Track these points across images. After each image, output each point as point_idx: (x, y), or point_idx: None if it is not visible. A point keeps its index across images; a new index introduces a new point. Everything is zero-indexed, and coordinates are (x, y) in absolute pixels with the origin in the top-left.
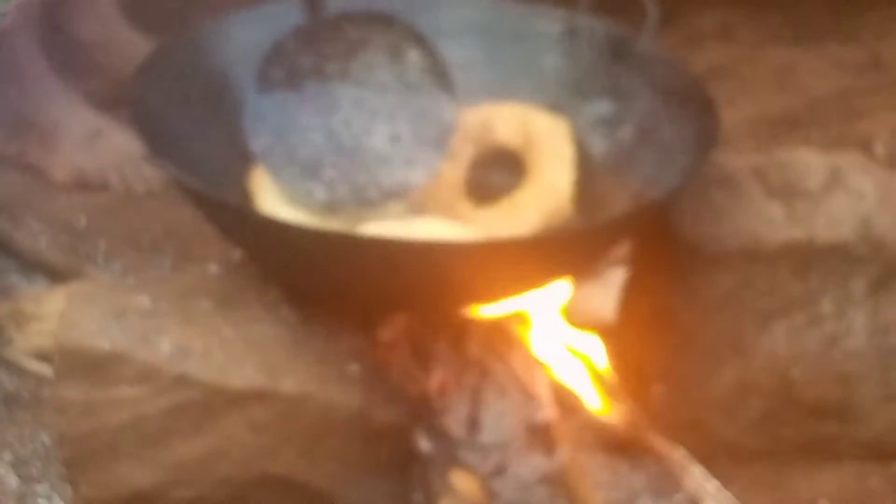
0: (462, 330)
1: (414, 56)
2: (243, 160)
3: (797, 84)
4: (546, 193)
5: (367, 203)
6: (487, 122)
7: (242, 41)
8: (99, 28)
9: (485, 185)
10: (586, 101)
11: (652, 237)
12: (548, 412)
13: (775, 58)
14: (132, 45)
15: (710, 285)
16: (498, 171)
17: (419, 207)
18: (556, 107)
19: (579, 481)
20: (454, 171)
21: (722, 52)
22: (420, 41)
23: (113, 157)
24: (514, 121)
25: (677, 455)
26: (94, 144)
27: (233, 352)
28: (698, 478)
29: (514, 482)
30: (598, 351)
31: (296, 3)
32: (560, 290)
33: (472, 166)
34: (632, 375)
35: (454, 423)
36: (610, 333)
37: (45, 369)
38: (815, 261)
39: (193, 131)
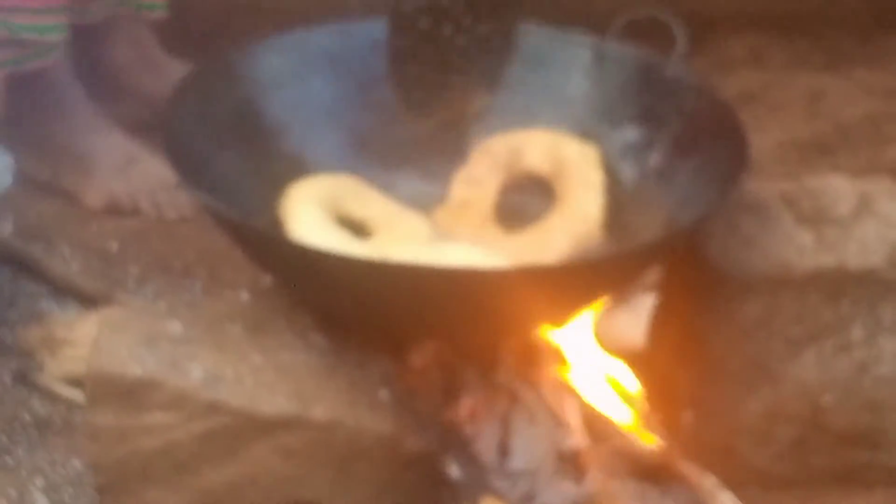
0: (492, 356)
1: None
2: (273, 186)
3: (827, 109)
4: (576, 219)
5: None
6: (517, 147)
7: (273, 67)
8: (133, 51)
9: (514, 210)
10: (615, 127)
11: (681, 263)
12: (577, 439)
13: (805, 83)
14: (166, 69)
15: (740, 311)
16: (527, 196)
17: (447, 232)
18: (585, 133)
19: None
20: (483, 196)
21: (751, 77)
22: None
23: (145, 184)
24: (543, 147)
25: (707, 482)
26: (128, 171)
27: (263, 378)
28: None
29: None
30: (627, 377)
31: (320, 28)
32: (590, 315)
33: (501, 192)
34: (661, 401)
35: (484, 449)
36: (639, 359)
37: (77, 395)
38: (844, 287)
39: (224, 157)
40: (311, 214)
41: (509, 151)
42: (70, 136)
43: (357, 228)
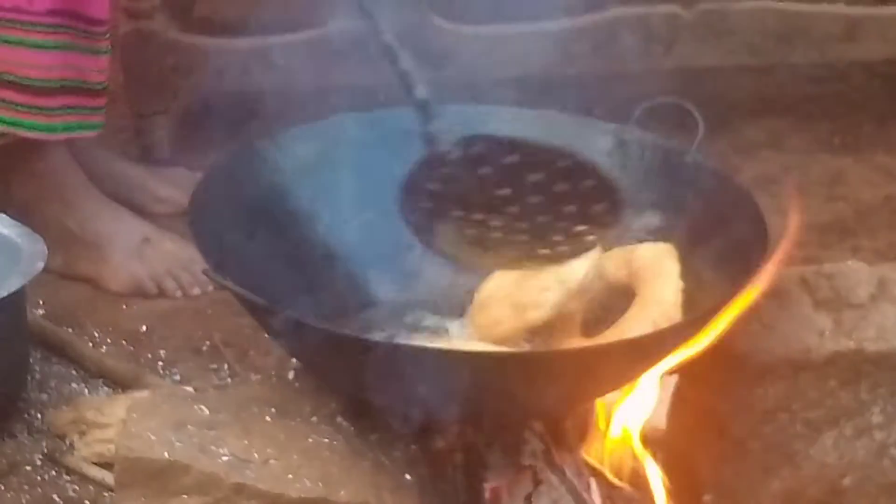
0: (515, 438)
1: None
2: (300, 272)
3: (846, 192)
4: (654, 307)
5: None
6: (597, 268)
7: (301, 155)
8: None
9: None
10: (637, 213)
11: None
12: None
13: (824, 166)
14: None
15: (760, 395)
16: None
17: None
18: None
19: None
20: (569, 322)
21: (772, 161)
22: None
23: (165, 263)
24: (620, 259)
25: None
26: (144, 252)
27: (290, 462)
28: None
29: None
30: (649, 459)
31: (349, 116)
32: (613, 398)
33: (586, 310)
34: (682, 484)
35: None
36: (660, 442)
37: (106, 477)
38: (863, 371)
39: (251, 243)
40: None
41: (591, 274)
42: (80, 222)
43: None
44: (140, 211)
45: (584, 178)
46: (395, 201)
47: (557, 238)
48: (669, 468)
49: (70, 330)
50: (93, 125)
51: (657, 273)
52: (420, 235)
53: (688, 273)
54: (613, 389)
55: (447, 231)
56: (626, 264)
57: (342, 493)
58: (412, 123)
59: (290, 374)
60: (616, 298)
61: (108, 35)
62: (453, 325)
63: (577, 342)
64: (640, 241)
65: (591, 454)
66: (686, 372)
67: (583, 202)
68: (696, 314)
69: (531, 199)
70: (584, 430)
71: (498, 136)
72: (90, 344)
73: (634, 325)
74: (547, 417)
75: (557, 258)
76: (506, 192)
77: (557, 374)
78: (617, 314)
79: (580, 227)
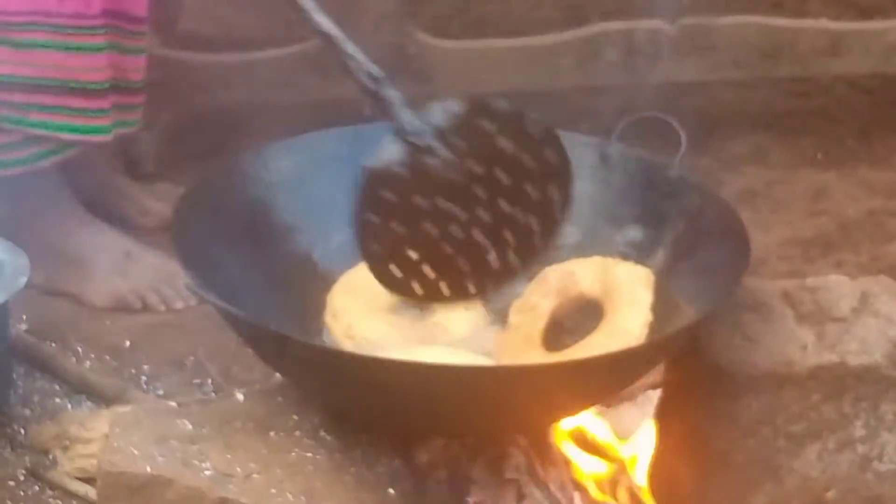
0: (499, 452)
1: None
2: (283, 286)
3: (829, 207)
4: (616, 336)
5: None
6: (572, 275)
7: (283, 169)
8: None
9: (562, 332)
10: (619, 227)
11: (684, 360)
12: None
13: (808, 181)
14: (126, 192)
15: (743, 408)
16: (577, 318)
17: (491, 356)
18: (590, 233)
19: None
20: (534, 322)
21: (755, 176)
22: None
23: (148, 278)
24: (596, 272)
25: None
26: (127, 268)
27: (273, 476)
28: None
29: None
30: (632, 473)
31: (332, 131)
32: (596, 412)
33: (554, 317)
34: (666, 497)
35: None
36: (644, 456)
37: (89, 491)
38: (846, 384)
39: (234, 257)
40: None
41: (564, 279)
42: (62, 237)
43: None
44: (126, 223)
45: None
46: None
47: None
48: (653, 482)
49: (53, 345)
50: (132, 122)
51: (629, 301)
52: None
53: (670, 287)
54: (587, 406)
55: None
56: (602, 279)
57: None
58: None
59: (274, 389)
60: (582, 308)
61: (145, 34)
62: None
63: (549, 357)
64: (624, 256)
65: (574, 469)
66: (669, 386)
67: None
68: (675, 329)
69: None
70: (566, 444)
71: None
72: (73, 359)
73: (597, 350)
74: (527, 431)
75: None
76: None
77: (529, 390)
78: (579, 324)
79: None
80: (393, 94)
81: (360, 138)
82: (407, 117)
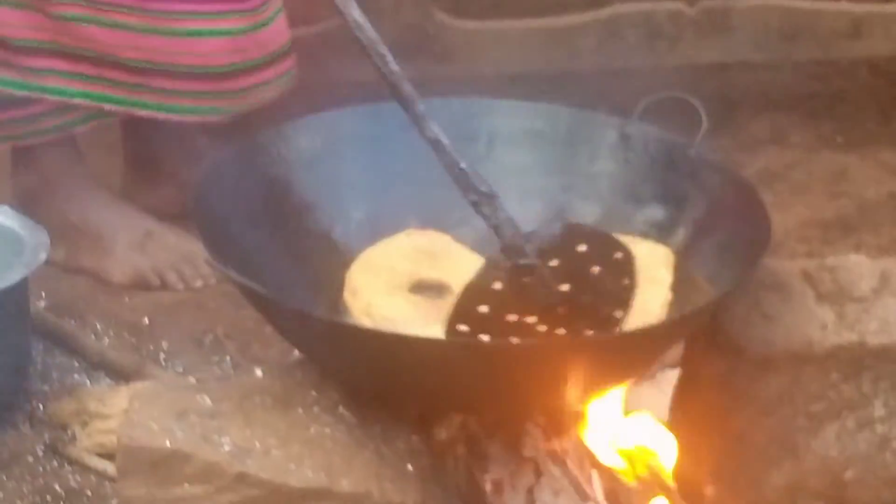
0: (517, 429)
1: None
2: (303, 262)
3: (849, 188)
4: (637, 315)
5: None
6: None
7: (304, 147)
8: (174, 140)
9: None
10: (640, 207)
11: (704, 339)
12: None
13: (827, 162)
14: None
15: (762, 387)
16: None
17: None
18: (610, 212)
19: None
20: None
21: (775, 157)
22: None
23: (167, 257)
24: None
25: None
26: (147, 246)
27: (292, 451)
28: None
29: None
30: (650, 451)
31: (352, 109)
32: (615, 390)
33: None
34: (684, 476)
35: None
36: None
37: (108, 467)
38: (865, 364)
39: (254, 234)
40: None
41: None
42: (82, 215)
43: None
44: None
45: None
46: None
47: None
48: (672, 459)
49: (72, 322)
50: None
51: (649, 279)
52: None
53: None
54: (607, 384)
55: None
56: None
57: (344, 483)
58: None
59: (292, 366)
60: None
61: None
62: None
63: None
64: (644, 235)
65: (592, 446)
66: (688, 365)
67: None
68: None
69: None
70: (585, 422)
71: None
72: (92, 336)
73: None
74: (545, 409)
75: None
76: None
77: (548, 367)
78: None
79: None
80: (501, 213)
81: (380, 117)
82: (512, 235)
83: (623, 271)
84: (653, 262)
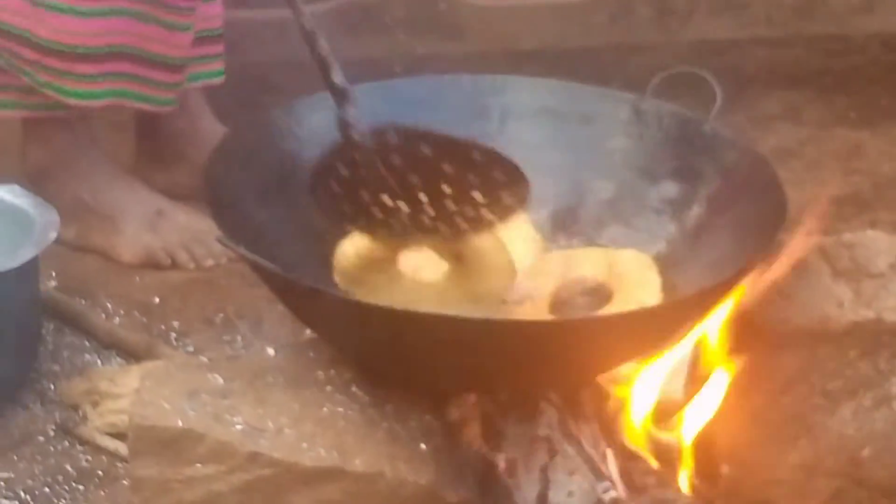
0: (531, 408)
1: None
2: (314, 241)
3: (863, 165)
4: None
5: None
6: (572, 263)
7: (315, 124)
8: (185, 121)
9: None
10: (655, 183)
11: (720, 317)
12: (616, 491)
13: (842, 139)
14: (217, 136)
15: (778, 365)
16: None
17: None
18: (623, 188)
19: None
20: (535, 307)
21: (789, 134)
22: None
23: (178, 236)
24: (599, 259)
25: None
26: (157, 224)
27: (304, 430)
28: None
29: None
30: (666, 430)
31: (363, 86)
32: (629, 369)
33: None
34: (700, 454)
35: (523, 501)
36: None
37: (119, 447)
38: (882, 341)
39: (266, 212)
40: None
41: (564, 267)
42: (93, 193)
43: None
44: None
45: (493, 168)
46: (304, 186)
47: (462, 223)
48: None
49: (83, 301)
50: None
51: (639, 282)
52: (329, 217)
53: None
54: (625, 362)
55: (356, 215)
56: (606, 266)
57: (357, 462)
58: (424, 92)
59: (304, 345)
60: (588, 292)
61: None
62: None
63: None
64: (658, 212)
65: (607, 425)
66: (703, 342)
67: (490, 190)
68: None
69: (439, 187)
70: (600, 401)
71: (409, 127)
72: (103, 315)
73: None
74: (560, 387)
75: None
76: (415, 179)
77: (564, 344)
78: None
79: (487, 215)
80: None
81: (389, 94)
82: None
83: (478, 169)
84: (640, 268)
